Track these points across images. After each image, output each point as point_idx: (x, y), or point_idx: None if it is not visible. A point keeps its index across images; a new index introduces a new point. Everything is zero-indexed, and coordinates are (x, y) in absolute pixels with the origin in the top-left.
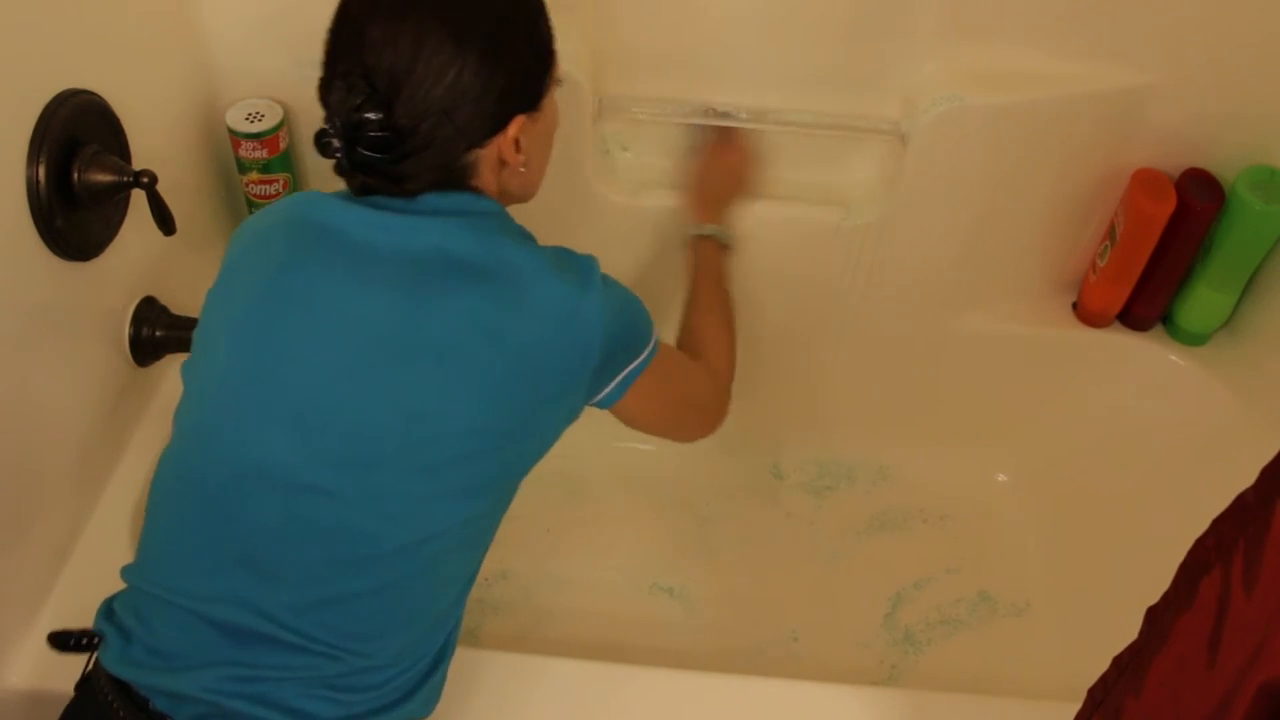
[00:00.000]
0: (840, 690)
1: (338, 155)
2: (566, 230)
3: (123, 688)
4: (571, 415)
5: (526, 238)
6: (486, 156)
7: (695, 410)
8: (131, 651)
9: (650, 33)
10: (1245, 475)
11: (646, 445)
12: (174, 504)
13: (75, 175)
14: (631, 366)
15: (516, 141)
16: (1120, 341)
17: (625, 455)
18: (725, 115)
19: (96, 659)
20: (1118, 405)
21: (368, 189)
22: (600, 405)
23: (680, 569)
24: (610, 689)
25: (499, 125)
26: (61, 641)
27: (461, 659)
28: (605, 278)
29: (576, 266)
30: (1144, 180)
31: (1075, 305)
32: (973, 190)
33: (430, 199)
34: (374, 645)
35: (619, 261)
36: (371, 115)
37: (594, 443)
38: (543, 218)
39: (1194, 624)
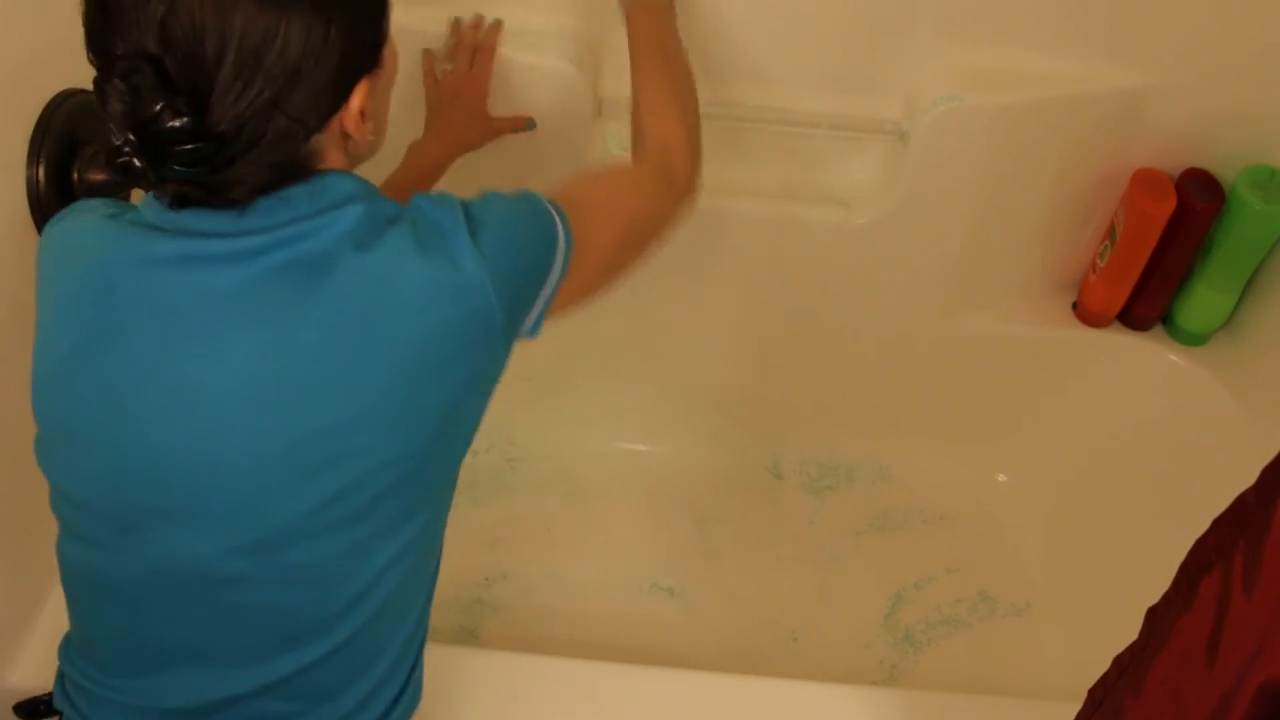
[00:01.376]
0: (840, 690)
1: (143, 176)
2: None
3: None
4: (495, 380)
5: (378, 221)
6: (328, 138)
7: (647, 228)
8: None
9: None
10: (1245, 475)
11: (646, 445)
12: (90, 604)
13: (75, 175)
14: (550, 289)
15: (362, 111)
16: (1120, 341)
17: (625, 455)
18: None
19: None
20: (1118, 405)
21: (185, 199)
22: (531, 334)
23: (680, 569)
24: (610, 689)
25: (340, 100)
26: (29, 711)
27: (462, 659)
28: (475, 212)
29: (438, 230)
30: (1144, 180)
31: (1075, 305)
32: (973, 190)
33: (264, 207)
34: (346, 694)
35: None
36: (177, 124)
37: (594, 443)
38: None
39: (1194, 624)
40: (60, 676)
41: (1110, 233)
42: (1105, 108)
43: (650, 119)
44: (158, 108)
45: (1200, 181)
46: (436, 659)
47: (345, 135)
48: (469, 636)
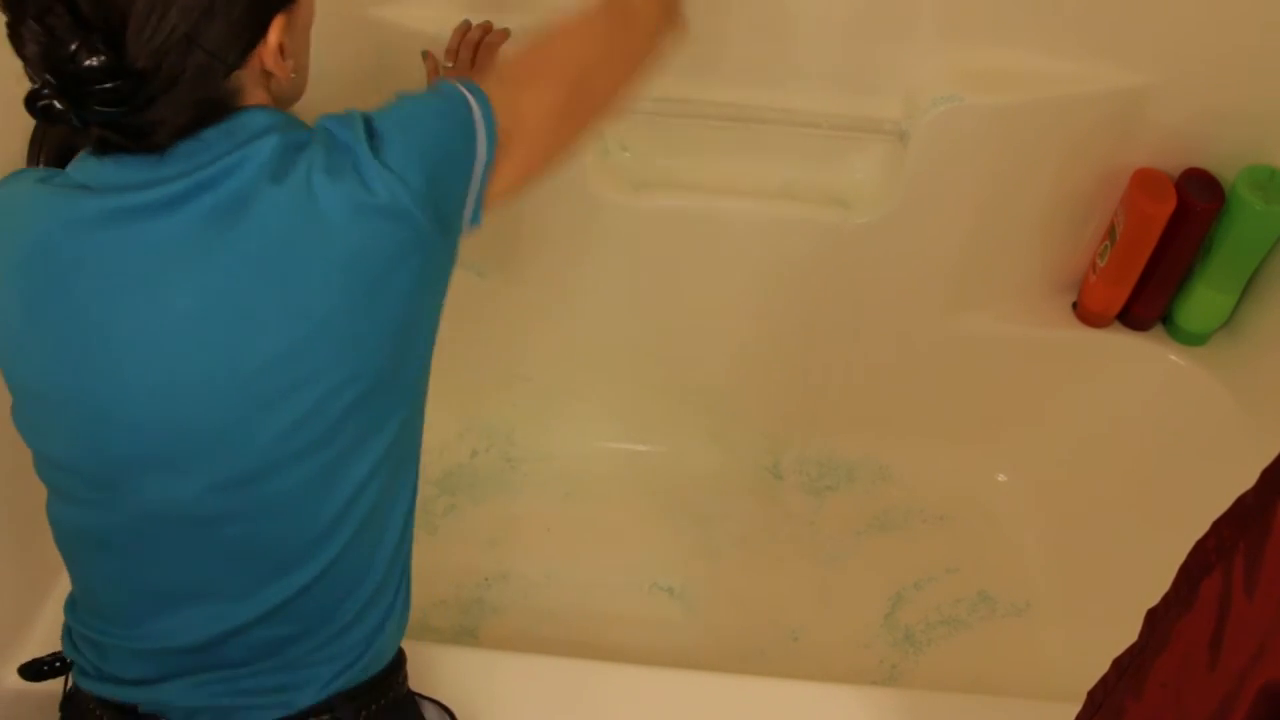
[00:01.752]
0: (840, 690)
1: (64, 118)
2: (566, 230)
3: (106, 700)
4: (444, 280)
5: (289, 150)
6: (249, 75)
7: (608, 67)
8: (104, 674)
9: None
10: (1245, 476)
11: (646, 445)
12: (87, 560)
13: None
14: (477, 178)
15: (281, 47)
16: (1120, 341)
17: (625, 455)
18: None
19: (74, 680)
20: (1117, 405)
21: (107, 144)
22: (475, 223)
23: (680, 569)
24: (610, 689)
25: (257, 35)
26: (34, 671)
27: (462, 659)
28: (373, 136)
29: (345, 150)
30: (1144, 180)
31: (1075, 305)
32: (973, 190)
33: (183, 151)
34: (342, 609)
35: (619, 261)
36: (94, 62)
37: (594, 443)
38: (542, 218)
39: (1195, 625)
40: (67, 630)
41: (1110, 233)
42: (1105, 108)
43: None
44: (74, 46)
45: (1200, 181)
46: (437, 659)
47: (267, 74)
48: (469, 636)
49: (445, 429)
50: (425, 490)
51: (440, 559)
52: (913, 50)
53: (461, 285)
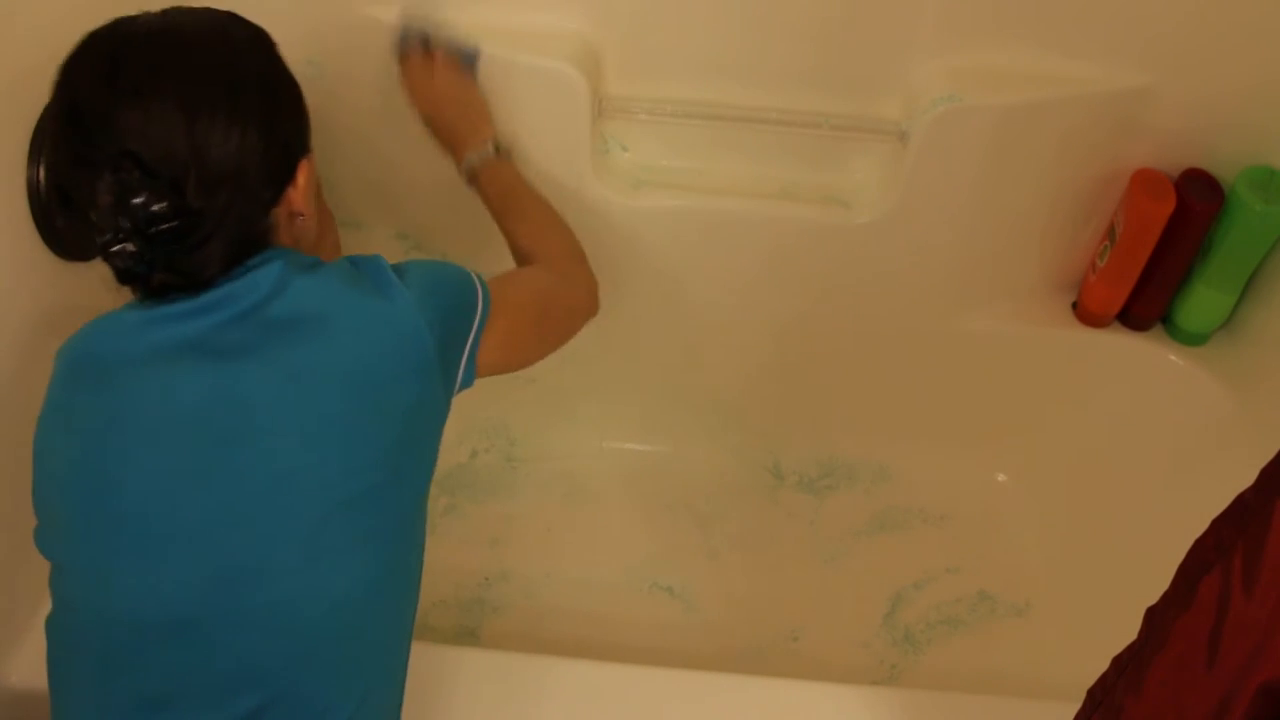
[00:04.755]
0: (840, 690)
1: (133, 261)
2: None
3: None
4: (439, 422)
5: (302, 265)
6: (280, 214)
7: (560, 312)
8: None
9: (650, 32)
10: (1245, 475)
11: (646, 445)
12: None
13: None
14: (474, 330)
15: (307, 188)
16: (1120, 341)
17: (625, 455)
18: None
19: None
20: (1117, 405)
21: (161, 287)
22: (466, 383)
23: (680, 569)
24: (610, 689)
25: (288, 176)
26: None
27: (461, 659)
28: (398, 267)
29: (368, 273)
30: (1144, 180)
31: (1075, 305)
32: (973, 190)
33: (224, 287)
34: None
35: (619, 261)
36: (159, 207)
37: (594, 443)
38: None
39: (1194, 624)
40: None
41: (1110, 233)
42: (1105, 108)
43: (533, 243)
44: (144, 194)
45: (1200, 181)
46: (436, 659)
47: (291, 215)
48: (469, 636)
49: (445, 429)
50: None
51: (440, 559)
52: (913, 50)
53: None
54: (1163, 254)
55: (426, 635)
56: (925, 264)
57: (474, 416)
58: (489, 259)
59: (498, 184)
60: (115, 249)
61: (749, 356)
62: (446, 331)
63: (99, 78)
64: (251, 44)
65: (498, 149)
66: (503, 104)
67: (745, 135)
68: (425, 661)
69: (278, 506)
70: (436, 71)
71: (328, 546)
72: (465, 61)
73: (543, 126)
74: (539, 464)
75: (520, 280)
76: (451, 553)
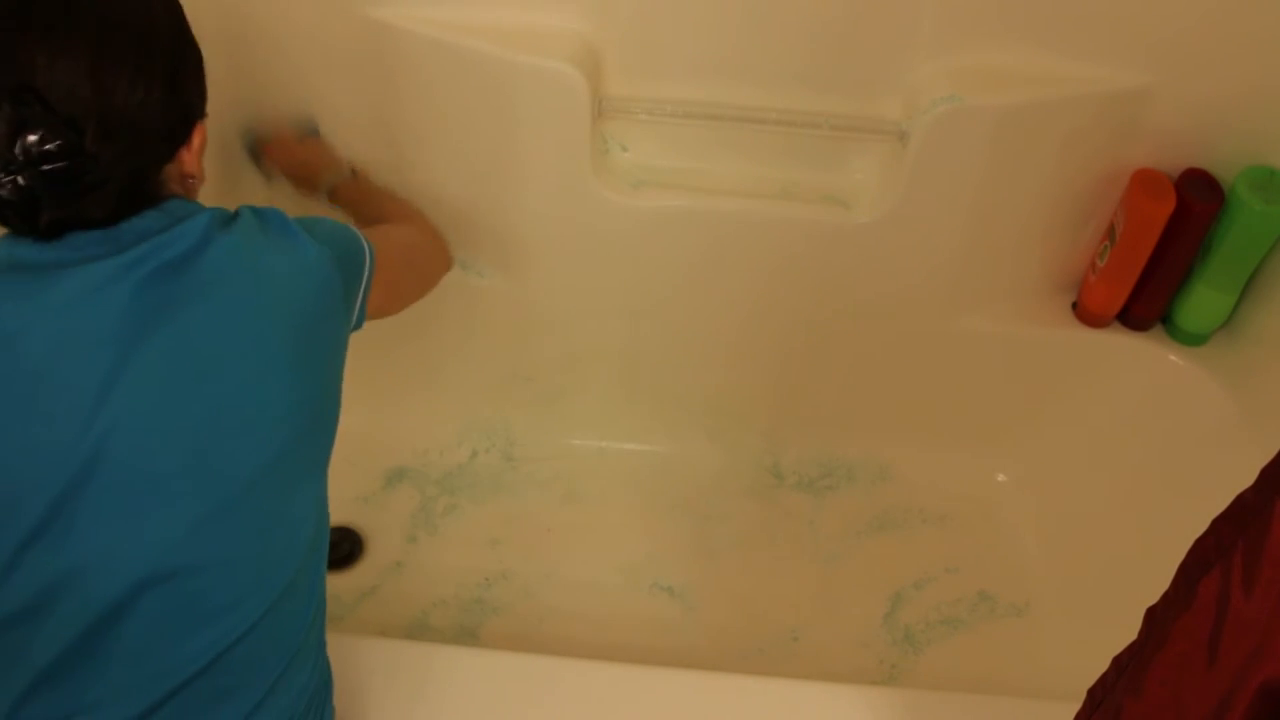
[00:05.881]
0: (840, 690)
1: (18, 196)
2: (567, 230)
3: None
4: (342, 363)
5: (224, 218)
6: (174, 171)
7: (424, 261)
8: None
9: (651, 32)
10: (1245, 475)
11: (646, 445)
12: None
13: None
14: (364, 279)
15: (200, 149)
16: (1120, 341)
17: (625, 455)
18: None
19: None
20: (1117, 405)
21: (60, 224)
22: (357, 325)
23: (680, 569)
24: (610, 689)
25: (184, 137)
26: None
27: (462, 659)
28: (300, 220)
29: (274, 224)
30: (1144, 180)
31: (1075, 305)
32: (973, 190)
33: (134, 224)
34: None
35: (618, 261)
36: (53, 145)
37: (594, 443)
38: (542, 218)
39: (1193, 624)
40: None
41: (1110, 233)
42: (1105, 108)
43: (394, 215)
44: (41, 131)
45: (1200, 181)
46: (437, 659)
47: (183, 175)
48: (469, 636)
49: (445, 429)
50: (426, 490)
51: (440, 559)
52: (912, 50)
53: (462, 286)
54: (1163, 254)
55: (426, 635)
56: (925, 264)
57: (474, 416)
58: (501, 259)
59: (355, 192)
60: (5, 181)
61: (749, 356)
62: (347, 278)
63: (12, 12)
64: (165, 4)
65: (354, 173)
66: (503, 104)
67: (745, 135)
68: (425, 661)
69: (248, 444)
70: (292, 146)
71: (289, 471)
72: (309, 131)
73: (543, 126)
74: (539, 464)
75: (393, 235)
76: (451, 553)
